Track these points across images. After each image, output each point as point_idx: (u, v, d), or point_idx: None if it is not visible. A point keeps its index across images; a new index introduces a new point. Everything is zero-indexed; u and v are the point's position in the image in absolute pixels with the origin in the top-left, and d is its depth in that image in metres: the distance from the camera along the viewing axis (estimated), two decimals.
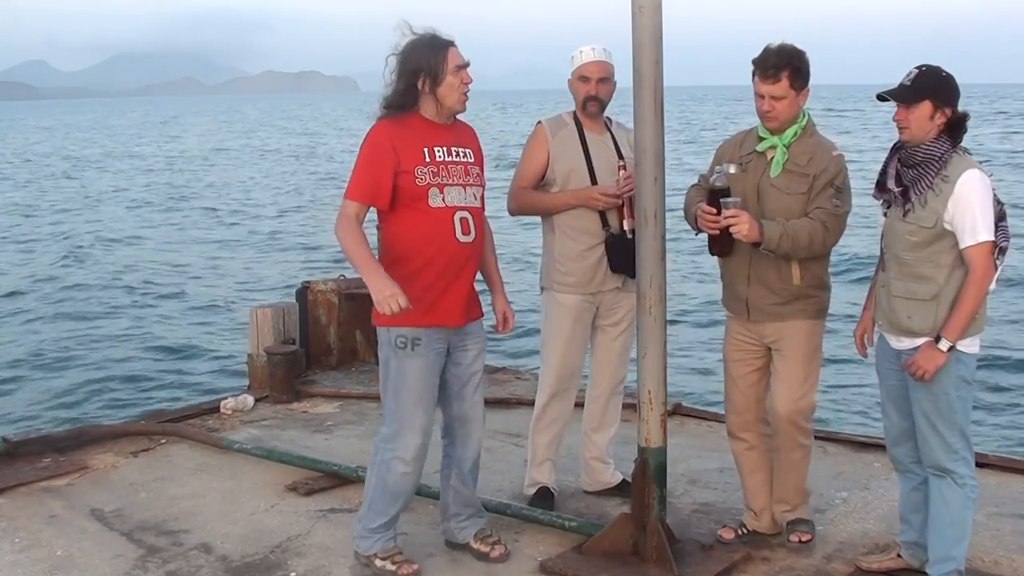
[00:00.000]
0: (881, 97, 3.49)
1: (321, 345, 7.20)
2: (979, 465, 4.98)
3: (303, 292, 7.22)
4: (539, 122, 4.51)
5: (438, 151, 3.76)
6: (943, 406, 3.51)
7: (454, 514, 4.11)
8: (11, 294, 16.42)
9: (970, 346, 3.51)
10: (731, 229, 3.74)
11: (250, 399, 6.39)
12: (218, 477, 5.11)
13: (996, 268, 3.42)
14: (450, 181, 3.75)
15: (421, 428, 3.83)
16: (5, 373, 11.68)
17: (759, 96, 3.82)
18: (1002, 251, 3.42)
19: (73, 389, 11.08)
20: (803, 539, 4.07)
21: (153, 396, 10.70)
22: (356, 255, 3.65)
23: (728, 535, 4.18)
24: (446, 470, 4.10)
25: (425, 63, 3.68)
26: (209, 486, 4.98)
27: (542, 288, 4.53)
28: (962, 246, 3.40)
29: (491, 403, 6.30)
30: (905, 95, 3.43)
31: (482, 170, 3.94)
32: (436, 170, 3.73)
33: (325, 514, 4.57)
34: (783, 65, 3.76)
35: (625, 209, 4.30)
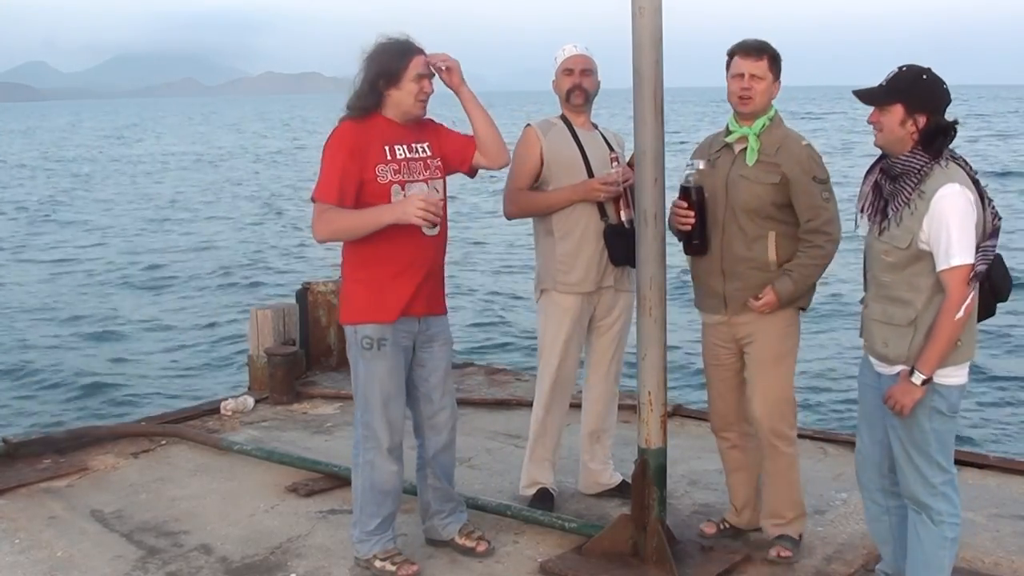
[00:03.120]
0: (862, 98, 3.31)
1: (321, 346, 7.20)
2: (979, 466, 5.04)
3: (303, 293, 7.22)
4: (528, 124, 4.51)
5: (399, 149, 3.83)
6: (916, 436, 3.28)
7: (436, 511, 4.14)
8: (11, 295, 16.45)
9: (951, 377, 3.23)
10: (762, 310, 3.86)
11: (250, 400, 6.39)
12: (218, 478, 5.11)
13: (971, 292, 3.14)
14: (412, 178, 3.83)
15: (393, 426, 3.89)
16: (5, 374, 11.69)
17: (737, 76, 3.84)
18: (976, 275, 3.13)
19: (73, 390, 11.09)
20: (782, 554, 3.97)
21: (153, 397, 10.71)
22: (353, 221, 3.71)
23: (710, 530, 4.24)
24: (422, 470, 4.13)
25: (387, 67, 3.76)
26: (209, 487, 4.98)
27: (541, 291, 4.52)
28: (938, 269, 3.14)
29: (491, 404, 6.34)
30: (875, 96, 3.22)
31: (449, 142, 3.98)
32: (398, 167, 3.80)
33: (325, 515, 4.57)
34: (764, 48, 3.85)
35: (622, 200, 4.32)
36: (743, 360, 4.03)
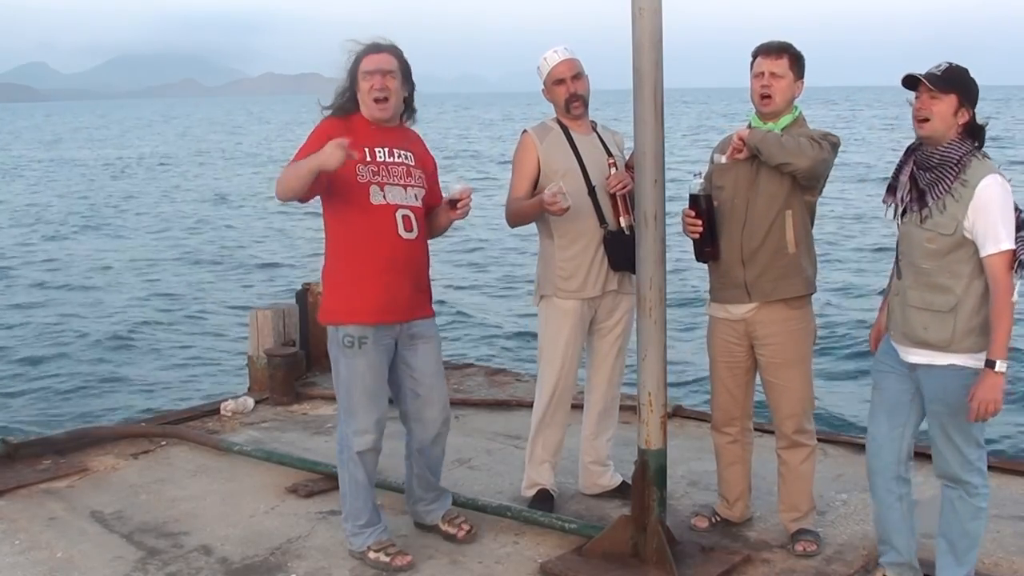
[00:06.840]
0: (907, 82, 3.36)
1: (321, 347, 7.13)
2: None
3: (303, 294, 7.22)
4: (524, 131, 4.49)
5: (379, 151, 3.90)
6: (962, 419, 3.37)
7: (419, 498, 4.25)
8: (12, 294, 16.45)
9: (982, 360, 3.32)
10: (737, 145, 3.89)
11: (250, 401, 6.39)
12: (218, 479, 5.11)
13: (1015, 282, 3.26)
14: (391, 180, 3.89)
15: (375, 423, 3.97)
16: (5, 374, 11.68)
17: (758, 75, 3.95)
18: (1021, 264, 3.25)
19: (73, 391, 11.08)
20: (808, 549, 4.05)
21: (153, 398, 10.70)
22: (293, 169, 3.72)
23: (702, 524, 4.31)
24: (409, 459, 4.23)
25: (351, 68, 3.89)
26: (209, 488, 4.98)
27: (540, 296, 4.51)
28: (983, 254, 3.26)
29: (491, 405, 6.34)
30: (936, 81, 3.31)
31: (430, 173, 4.08)
32: (376, 169, 3.87)
33: (325, 516, 4.57)
34: (785, 48, 3.95)
35: (621, 206, 4.31)
36: (754, 358, 4.10)
